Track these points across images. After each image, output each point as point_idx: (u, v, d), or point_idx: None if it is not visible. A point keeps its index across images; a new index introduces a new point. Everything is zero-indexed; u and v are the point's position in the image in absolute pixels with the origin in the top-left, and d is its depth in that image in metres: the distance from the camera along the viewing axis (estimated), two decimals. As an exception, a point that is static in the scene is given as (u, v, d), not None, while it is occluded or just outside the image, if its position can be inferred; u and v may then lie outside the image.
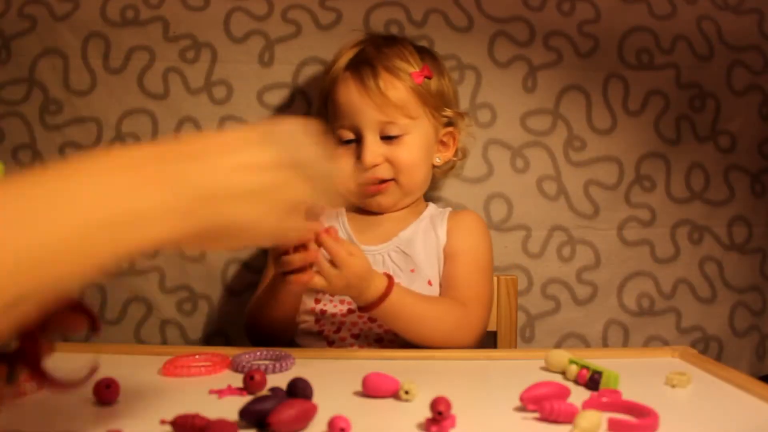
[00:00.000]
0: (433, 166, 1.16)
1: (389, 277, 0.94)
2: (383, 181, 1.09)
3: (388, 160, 1.09)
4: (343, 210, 1.14)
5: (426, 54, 1.14)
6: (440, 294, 1.06)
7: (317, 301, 1.07)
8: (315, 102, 1.21)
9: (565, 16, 1.27)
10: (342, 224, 1.12)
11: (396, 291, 0.93)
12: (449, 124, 1.14)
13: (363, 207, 1.13)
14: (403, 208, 1.14)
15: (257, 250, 1.25)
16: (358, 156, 1.08)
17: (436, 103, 1.11)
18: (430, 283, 1.07)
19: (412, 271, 1.07)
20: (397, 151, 1.09)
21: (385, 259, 1.09)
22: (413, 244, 1.09)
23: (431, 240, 1.10)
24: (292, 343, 1.07)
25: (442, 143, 1.15)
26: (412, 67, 1.10)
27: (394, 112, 1.07)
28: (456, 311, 1.00)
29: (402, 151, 1.09)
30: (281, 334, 1.05)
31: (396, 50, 1.11)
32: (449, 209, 1.16)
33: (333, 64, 1.12)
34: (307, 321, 1.07)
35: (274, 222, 0.58)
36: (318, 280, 0.88)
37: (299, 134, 0.61)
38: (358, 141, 1.09)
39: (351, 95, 1.08)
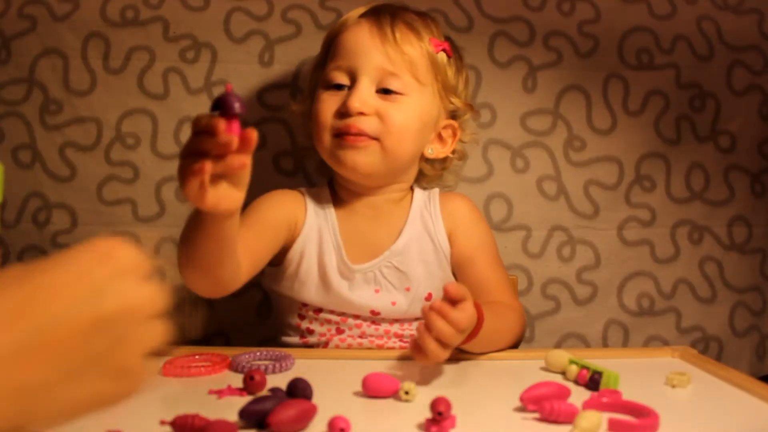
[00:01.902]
0: (423, 157, 1.03)
1: (476, 305, 0.83)
2: (366, 137, 0.95)
3: (379, 115, 0.95)
4: (335, 218, 1.01)
5: (451, 41, 1.07)
6: None
7: (301, 317, 1.02)
8: (315, 59, 1.11)
9: (565, 16, 1.27)
10: (333, 234, 1.00)
11: (486, 317, 0.84)
12: (453, 117, 1.04)
13: (335, 167, 1.00)
14: (380, 187, 1.01)
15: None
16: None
17: (447, 84, 1.01)
18: (429, 296, 1.01)
19: (407, 289, 1.00)
20: (391, 108, 0.95)
21: (377, 276, 1.00)
22: (408, 259, 1.00)
23: (428, 248, 1.01)
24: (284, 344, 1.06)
25: (440, 137, 1.03)
26: (432, 35, 1.00)
27: (402, 66, 0.96)
28: (514, 314, 0.98)
29: (397, 109, 0.96)
30: (214, 280, 0.84)
31: (421, 16, 1.03)
32: (436, 193, 1.06)
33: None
34: (292, 336, 1.03)
35: (96, 394, 0.44)
36: (440, 353, 0.78)
37: (127, 272, 0.45)
38: (350, 89, 0.96)
39: (362, 35, 0.97)
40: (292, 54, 1.24)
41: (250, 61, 1.24)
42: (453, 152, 1.06)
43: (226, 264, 0.82)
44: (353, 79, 0.96)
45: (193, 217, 0.77)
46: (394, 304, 1.00)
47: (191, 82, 1.24)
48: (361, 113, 0.94)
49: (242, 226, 0.85)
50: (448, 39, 1.07)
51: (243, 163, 0.68)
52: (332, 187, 1.05)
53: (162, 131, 1.23)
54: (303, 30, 1.24)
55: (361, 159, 0.96)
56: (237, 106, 0.66)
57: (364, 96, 0.95)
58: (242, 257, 0.85)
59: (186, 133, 1.23)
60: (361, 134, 0.95)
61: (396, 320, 1.01)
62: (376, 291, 1.00)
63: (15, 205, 1.23)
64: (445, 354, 0.78)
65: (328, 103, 0.97)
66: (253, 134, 0.67)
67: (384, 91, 0.96)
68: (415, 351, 0.79)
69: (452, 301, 0.79)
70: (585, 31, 1.27)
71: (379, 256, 1.00)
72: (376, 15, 0.99)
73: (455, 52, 1.06)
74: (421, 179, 1.08)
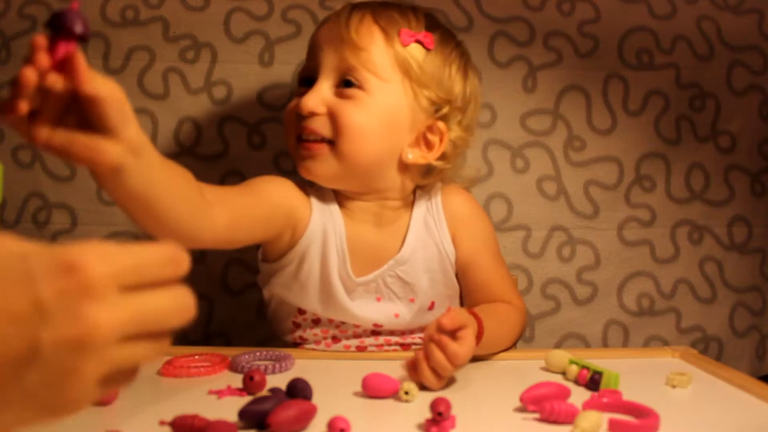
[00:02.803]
0: (402, 163, 0.94)
1: (475, 315, 0.83)
2: (318, 141, 0.90)
3: (331, 115, 0.89)
4: (342, 221, 0.95)
5: (444, 33, 0.96)
6: (467, 296, 1.00)
7: (296, 325, 0.98)
8: None
9: (565, 16, 1.27)
10: (339, 239, 0.94)
11: (486, 325, 0.83)
12: (440, 118, 0.94)
13: (300, 173, 0.94)
14: (361, 193, 0.95)
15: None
16: None
17: (422, 80, 0.91)
18: (432, 306, 0.99)
19: (412, 300, 0.97)
20: (345, 107, 0.88)
21: (380, 286, 0.96)
22: (413, 269, 0.96)
23: (432, 255, 0.97)
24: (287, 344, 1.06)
25: (426, 141, 0.94)
26: (406, 25, 0.91)
27: (358, 62, 0.88)
28: (515, 313, 0.97)
29: (350, 108, 0.88)
30: (171, 234, 0.69)
31: (403, 7, 0.94)
32: (438, 194, 1.00)
33: None
34: (287, 342, 1.01)
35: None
36: (436, 382, 0.77)
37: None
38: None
39: (322, 34, 0.93)
40: (292, 54, 1.24)
41: (250, 61, 1.24)
42: (442, 156, 0.95)
43: (168, 220, 0.69)
44: (314, 78, 0.92)
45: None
46: (396, 316, 0.97)
47: (191, 82, 1.24)
48: (313, 113, 0.90)
49: (229, 189, 0.85)
50: (446, 32, 0.98)
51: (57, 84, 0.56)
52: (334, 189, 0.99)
53: (162, 131, 1.23)
54: (303, 30, 1.24)
55: (315, 167, 0.91)
56: (77, 25, 0.53)
57: (316, 96, 0.90)
58: (219, 210, 0.78)
59: (186, 133, 1.23)
60: (314, 134, 0.90)
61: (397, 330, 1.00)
62: (378, 299, 0.97)
63: (15, 205, 1.22)
64: (441, 383, 0.78)
65: (293, 105, 0.94)
66: (78, 55, 0.55)
67: (346, 84, 0.90)
68: (411, 373, 0.79)
69: (452, 330, 0.78)
70: (585, 31, 1.27)
71: (383, 266, 0.95)
72: (338, 12, 0.94)
73: (444, 44, 0.95)
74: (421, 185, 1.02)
